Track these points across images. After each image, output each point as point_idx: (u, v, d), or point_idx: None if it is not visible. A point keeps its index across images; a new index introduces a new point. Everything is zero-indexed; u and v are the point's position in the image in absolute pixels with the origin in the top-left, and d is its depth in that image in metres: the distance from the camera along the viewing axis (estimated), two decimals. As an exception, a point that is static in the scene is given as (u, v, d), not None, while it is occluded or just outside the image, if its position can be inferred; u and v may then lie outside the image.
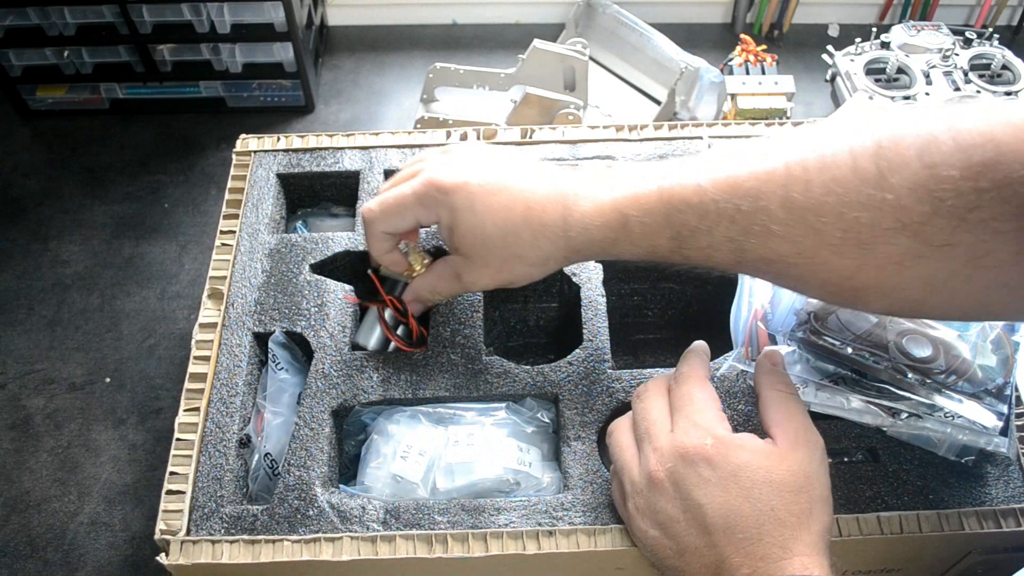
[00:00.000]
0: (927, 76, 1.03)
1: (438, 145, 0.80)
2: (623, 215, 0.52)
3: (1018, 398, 0.61)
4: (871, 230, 0.44)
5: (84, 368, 0.94)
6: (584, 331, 0.67)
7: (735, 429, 0.60)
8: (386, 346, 0.68)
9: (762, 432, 0.53)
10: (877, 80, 1.03)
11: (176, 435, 0.62)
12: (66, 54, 1.13)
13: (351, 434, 0.66)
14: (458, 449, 0.61)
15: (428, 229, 0.72)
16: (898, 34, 1.07)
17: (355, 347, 0.68)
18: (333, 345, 0.67)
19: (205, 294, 0.70)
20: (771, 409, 0.53)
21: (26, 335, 0.97)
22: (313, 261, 0.72)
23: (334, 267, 0.74)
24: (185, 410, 0.64)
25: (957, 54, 1.04)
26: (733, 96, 1.05)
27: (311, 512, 0.59)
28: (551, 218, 0.54)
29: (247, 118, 1.18)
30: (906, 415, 0.58)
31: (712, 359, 0.65)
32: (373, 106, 1.20)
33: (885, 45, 1.06)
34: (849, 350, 0.58)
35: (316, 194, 0.81)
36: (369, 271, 0.68)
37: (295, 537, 0.57)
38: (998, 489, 0.59)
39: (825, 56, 1.09)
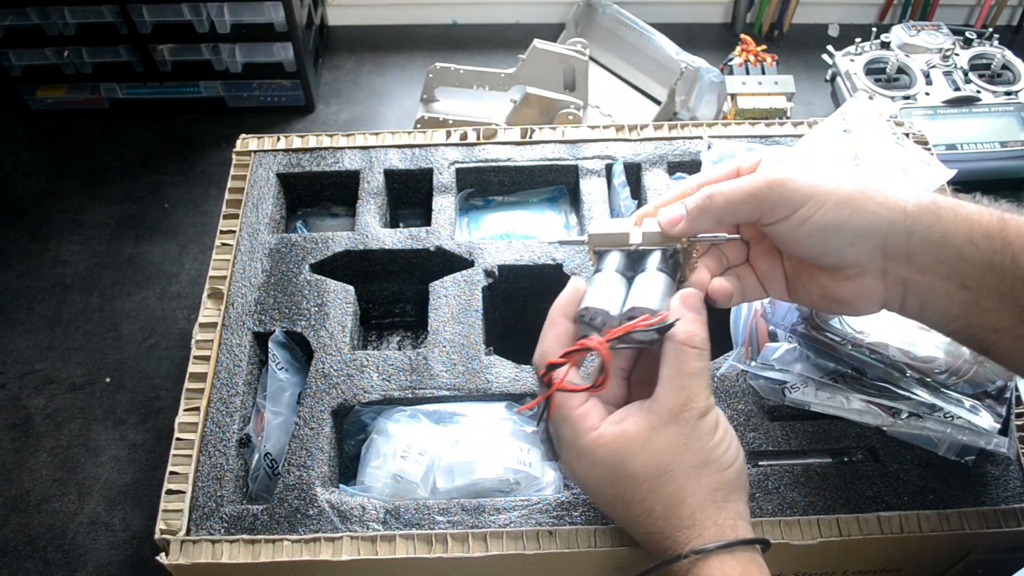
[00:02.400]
0: (927, 76, 1.03)
1: (438, 145, 0.80)
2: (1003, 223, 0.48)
3: (1018, 398, 0.61)
4: None
5: (84, 368, 0.94)
6: (584, 331, 0.67)
7: (735, 428, 0.60)
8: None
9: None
10: (877, 80, 1.03)
11: (176, 435, 0.62)
12: (66, 54, 1.13)
13: (351, 434, 0.66)
14: (458, 449, 0.61)
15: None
16: (898, 34, 1.07)
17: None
18: (333, 345, 0.67)
19: (205, 294, 0.70)
20: (666, 368, 0.49)
21: (26, 335, 0.97)
22: (313, 261, 0.72)
23: (334, 267, 0.74)
24: (185, 410, 0.64)
25: (957, 54, 1.04)
26: (733, 96, 1.05)
27: (311, 512, 0.59)
28: (895, 196, 0.49)
29: (247, 118, 1.18)
30: (906, 415, 0.58)
31: (712, 359, 0.65)
32: (373, 106, 1.21)
33: (885, 45, 1.06)
34: (849, 347, 0.58)
35: (316, 194, 0.81)
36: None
37: (295, 537, 0.57)
38: (998, 489, 0.59)
39: (825, 56, 1.09)
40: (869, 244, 0.48)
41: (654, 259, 0.51)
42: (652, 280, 0.50)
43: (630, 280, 0.51)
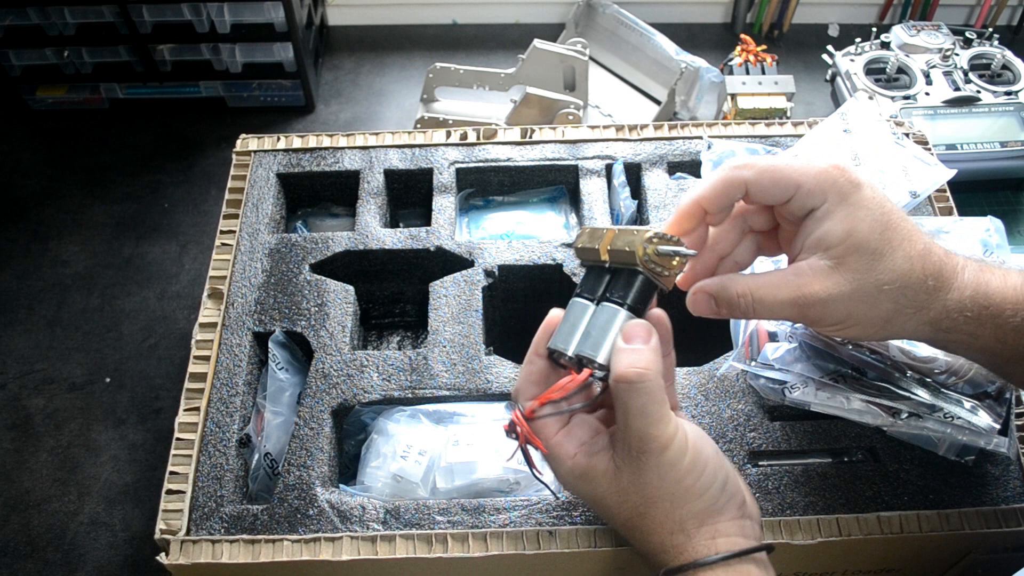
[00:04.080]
0: (927, 76, 1.03)
1: (438, 145, 0.80)
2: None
3: (1018, 398, 0.61)
4: None
5: (84, 368, 0.94)
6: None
7: (735, 428, 0.59)
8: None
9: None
10: (877, 80, 1.03)
11: (176, 435, 0.62)
12: (66, 54, 1.13)
13: (351, 434, 0.66)
14: (458, 449, 0.61)
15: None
16: (898, 34, 1.07)
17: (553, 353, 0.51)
18: (333, 345, 0.67)
19: (205, 294, 0.70)
20: (616, 408, 0.47)
21: (26, 335, 0.97)
22: (313, 261, 0.72)
23: (334, 267, 0.74)
24: (185, 410, 0.64)
25: (957, 54, 1.04)
26: (733, 96, 1.05)
27: (311, 512, 0.59)
28: (944, 257, 0.49)
29: (247, 118, 1.18)
30: (906, 415, 0.58)
31: (712, 359, 0.65)
32: (373, 106, 1.20)
33: (885, 45, 1.06)
34: (850, 347, 0.58)
35: (316, 194, 0.81)
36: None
37: (295, 537, 0.57)
38: (998, 489, 0.59)
39: (825, 56, 1.09)
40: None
41: (619, 283, 0.48)
42: (603, 318, 0.48)
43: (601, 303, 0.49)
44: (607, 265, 0.49)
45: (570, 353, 0.48)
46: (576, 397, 0.50)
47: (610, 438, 0.49)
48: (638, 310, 0.48)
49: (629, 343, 0.47)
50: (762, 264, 0.60)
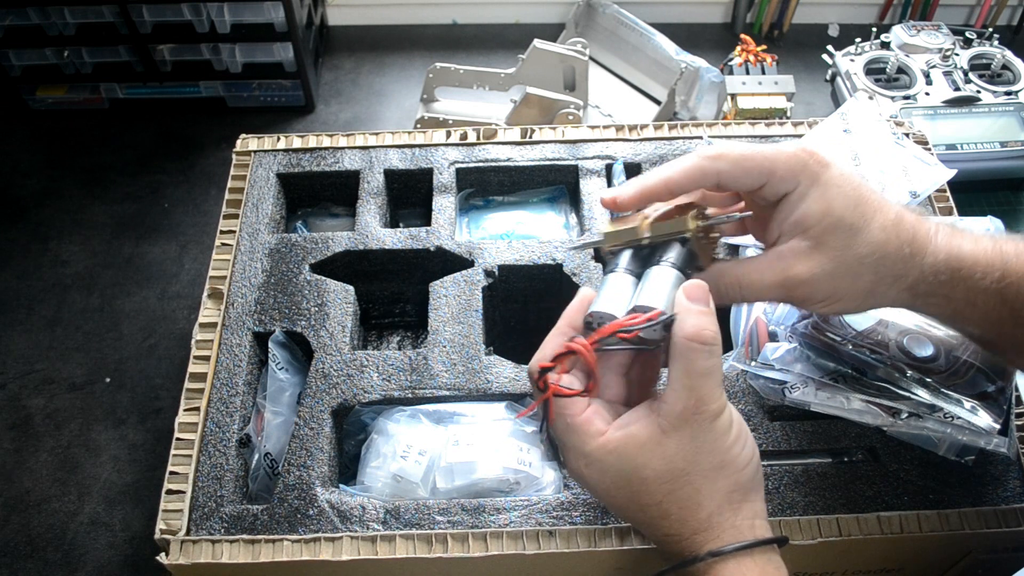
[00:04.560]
0: (927, 76, 1.03)
1: (438, 145, 0.80)
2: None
3: (1018, 398, 0.61)
4: None
5: (84, 368, 0.94)
6: (584, 331, 0.67)
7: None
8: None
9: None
10: (877, 80, 1.03)
11: (176, 435, 0.62)
12: (66, 54, 1.13)
13: (351, 434, 0.66)
14: (458, 449, 0.61)
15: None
16: (898, 34, 1.07)
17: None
18: (333, 345, 0.67)
19: (205, 294, 0.70)
20: (674, 369, 0.47)
21: (26, 335, 0.97)
22: (313, 261, 0.72)
23: (334, 267, 0.74)
24: (185, 410, 0.64)
25: (957, 54, 1.04)
26: (733, 96, 1.05)
27: (311, 512, 0.59)
28: (916, 223, 0.50)
29: (247, 118, 1.18)
30: (906, 415, 0.58)
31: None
32: (373, 106, 1.20)
33: (885, 45, 1.06)
34: (850, 347, 0.58)
35: (316, 194, 0.81)
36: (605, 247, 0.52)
37: (295, 537, 0.57)
38: (998, 489, 0.59)
39: (825, 56, 1.09)
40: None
41: (664, 252, 0.49)
42: (658, 276, 0.48)
43: (641, 278, 0.49)
44: (647, 241, 0.49)
45: (627, 309, 0.47)
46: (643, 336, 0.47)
47: (648, 408, 0.48)
48: (687, 276, 0.48)
49: (694, 303, 0.47)
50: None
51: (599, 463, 0.48)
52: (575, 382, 0.48)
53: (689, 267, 0.49)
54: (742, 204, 0.53)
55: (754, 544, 0.46)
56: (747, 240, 0.60)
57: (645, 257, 0.50)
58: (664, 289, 0.47)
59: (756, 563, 0.46)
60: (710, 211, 0.51)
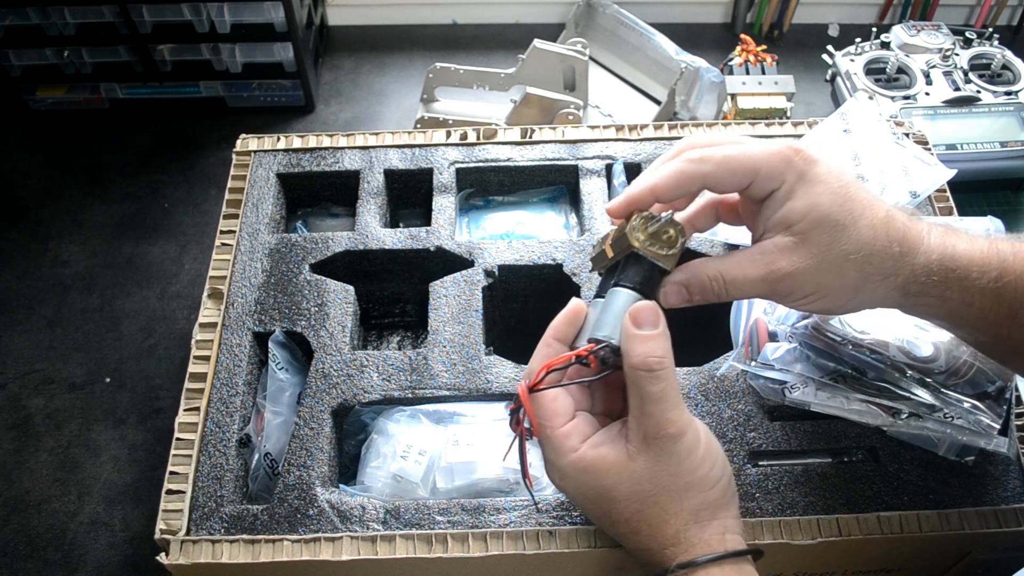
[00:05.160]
0: (927, 76, 1.03)
1: (438, 145, 0.80)
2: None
3: (1018, 398, 0.61)
4: None
5: (84, 368, 0.94)
6: (584, 331, 0.67)
7: (735, 428, 0.59)
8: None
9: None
10: (877, 80, 1.03)
11: (176, 435, 0.62)
12: (66, 54, 1.13)
13: (351, 434, 0.66)
14: (458, 449, 0.61)
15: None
16: (898, 34, 1.07)
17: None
18: (333, 345, 0.67)
19: (205, 294, 0.70)
20: (630, 395, 0.48)
21: (26, 335, 0.97)
22: (313, 261, 0.72)
23: (334, 267, 0.74)
24: (185, 410, 0.64)
25: (957, 54, 1.04)
26: (733, 96, 1.05)
27: (311, 512, 0.59)
28: (908, 222, 0.50)
29: (247, 118, 1.18)
30: (906, 415, 0.58)
31: (712, 359, 0.65)
32: (373, 106, 1.20)
33: (885, 45, 1.06)
34: (850, 347, 0.58)
35: (316, 194, 0.81)
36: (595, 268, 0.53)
37: (295, 537, 0.57)
38: (998, 489, 0.59)
39: (825, 56, 1.09)
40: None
41: (623, 270, 0.49)
42: (612, 300, 0.49)
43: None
44: (614, 261, 0.50)
45: (583, 342, 0.49)
46: (585, 372, 0.50)
47: (620, 428, 0.49)
48: (645, 293, 0.49)
49: (640, 327, 0.47)
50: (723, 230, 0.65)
51: (572, 477, 0.49)
52: (561, 395, 0.50)
53: (646, 279, 0.49)
54: (681, 203, 0.53)
55: (724, 556, 0.46)
56: (747, 241, 0.60)
57: (617, 273, 0.50)
58: (614, 315, 0.48)
59: (725, 573, 0.46)
60: (653, 209, 0.50)
